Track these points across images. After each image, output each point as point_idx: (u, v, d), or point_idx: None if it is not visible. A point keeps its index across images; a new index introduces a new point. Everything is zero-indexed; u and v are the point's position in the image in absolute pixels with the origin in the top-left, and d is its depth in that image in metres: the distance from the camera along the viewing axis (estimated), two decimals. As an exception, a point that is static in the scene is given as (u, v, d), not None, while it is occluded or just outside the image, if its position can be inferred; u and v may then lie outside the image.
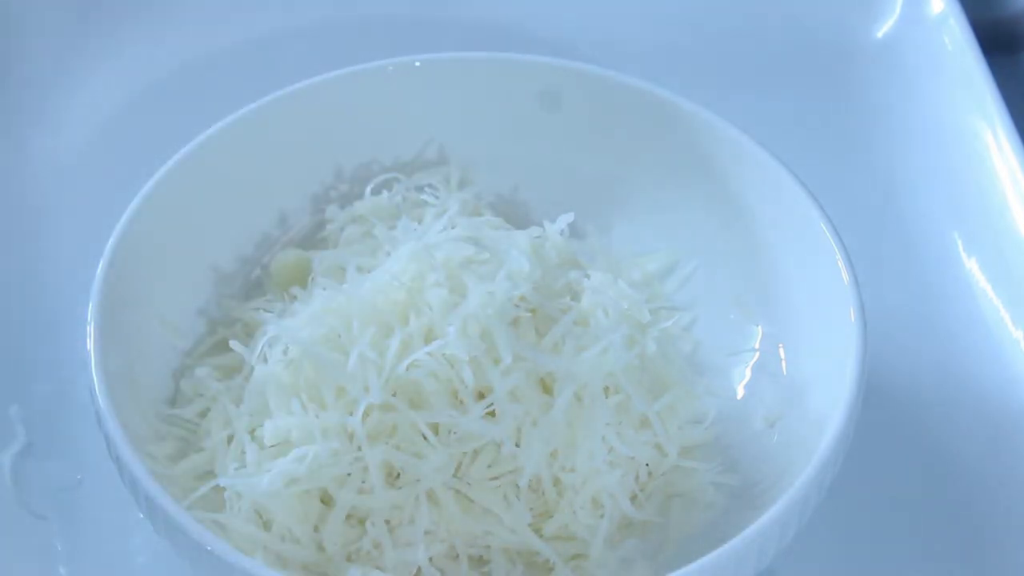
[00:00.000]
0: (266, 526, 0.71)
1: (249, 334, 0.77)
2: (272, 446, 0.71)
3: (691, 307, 0.80)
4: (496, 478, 0.71)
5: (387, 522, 0.71)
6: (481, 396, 0.71)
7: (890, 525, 0.77)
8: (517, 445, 0.71)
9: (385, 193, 0.81)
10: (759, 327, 0.78)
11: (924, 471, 0.78)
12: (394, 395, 0.70)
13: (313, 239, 0.82)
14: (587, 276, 0.77)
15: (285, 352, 0.72)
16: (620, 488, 0.72)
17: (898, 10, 0.95)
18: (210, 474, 0.72)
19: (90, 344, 0.72)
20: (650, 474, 0.74)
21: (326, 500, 0.71)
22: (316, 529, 0.71)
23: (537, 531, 0.72)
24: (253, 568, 0.66)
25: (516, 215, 0.83)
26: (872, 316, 0.73)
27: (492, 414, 0.70)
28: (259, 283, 0.80)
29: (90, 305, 0.73)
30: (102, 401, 0.70)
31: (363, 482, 0.70)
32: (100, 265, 0.74)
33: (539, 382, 0.72)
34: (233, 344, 0.74)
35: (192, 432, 0.74)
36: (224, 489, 0.71)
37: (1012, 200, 0.84)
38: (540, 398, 0.71)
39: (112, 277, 0.74)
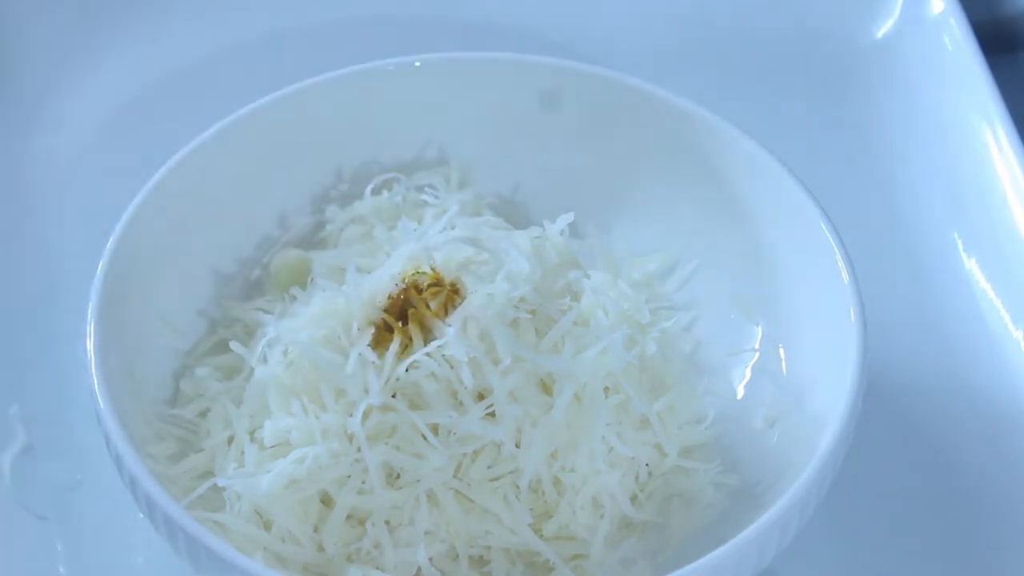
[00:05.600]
0: (266, 526, 0.71)
1: (249, 334, 0.77)
2: (272, 447, 0.71)
3: (691, 307, 0.80)
4: (496, 479, 0.71)
5: (387, 522, 0.70)
6: (481, 397, 0.71)
7: (890, 525, 0.77)
8: (517, 446, 0.71)
9: (385, 193, 0.81)
10: (759, 327, 0.78)
11: (924, 470, 0.78)
12: (394, 396, 0.70)
13: (313, 239, 0.82)
14: (587, 276, 0.77)
15: (285, 353, 0.72)
16: (620, 488, 0.72)
17: (898, 10, 0.95)
18: (210, 474, 0.72)
19: (90, 344, 0.72)
20: (650, 474, 0.73)
21: (326, 501, 0.71)
22: (316, 530, 0.71)
23: (537, 531, 0.71)
24: (253, 568, 0.66)
25: (516, 215, 0.83)
26: (872, 316, 0.73)
27: (492, 415, 0.70)
28: (259, 283, 0.80)
29: (90, 305, 0.73)
30: (102, 401, 0.70)
31: (363, 483, 0.70)
32: (100, 265, 0.74)
33: (539, 382, 0.71)
34: (233, 345, 0.74)
35: (192, 432, 0.74)
36: (224, 489, 0.71)
37: (1012, 200, 0.84)
38: (540, 398, 0.71)
39: (112, 277, 0.74)
